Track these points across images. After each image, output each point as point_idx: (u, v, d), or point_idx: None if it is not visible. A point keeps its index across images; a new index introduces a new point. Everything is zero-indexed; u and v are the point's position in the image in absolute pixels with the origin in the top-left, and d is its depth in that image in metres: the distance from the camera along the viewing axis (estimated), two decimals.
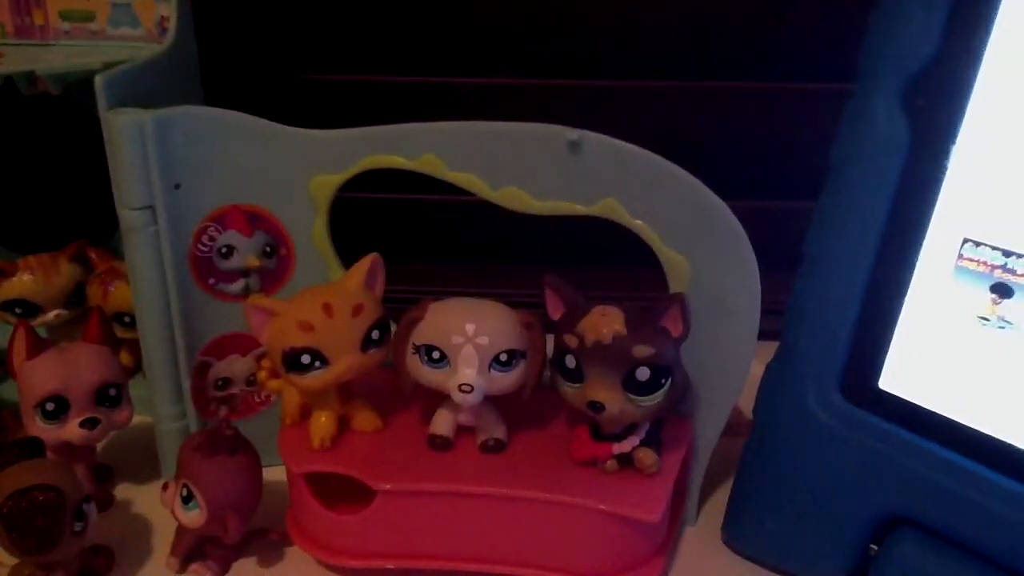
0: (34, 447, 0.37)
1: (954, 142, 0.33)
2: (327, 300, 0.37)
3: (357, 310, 0.37)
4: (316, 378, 0.37)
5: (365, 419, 0.41)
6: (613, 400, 0.36)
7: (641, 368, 0.36)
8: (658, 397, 0.36)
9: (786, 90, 0.56)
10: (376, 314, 0.38)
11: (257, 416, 0.46)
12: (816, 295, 0.37)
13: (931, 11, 0.32)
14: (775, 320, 0.39)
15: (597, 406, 0.36)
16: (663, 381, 0.36)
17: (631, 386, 0.36)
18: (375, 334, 0.38)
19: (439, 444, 0.40)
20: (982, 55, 0.32)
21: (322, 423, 0.39)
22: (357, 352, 0.37)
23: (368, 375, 0.39)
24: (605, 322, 0.36)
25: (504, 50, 0.58)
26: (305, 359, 0.37)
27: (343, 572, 0.40)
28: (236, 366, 0.45)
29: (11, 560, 0.37)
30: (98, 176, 0.41)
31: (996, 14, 0.32)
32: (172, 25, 0.46)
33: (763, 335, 0.39)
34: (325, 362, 0.37)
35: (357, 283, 0.38)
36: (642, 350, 0.35)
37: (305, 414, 0.41)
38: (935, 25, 0.33)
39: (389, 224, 0.59)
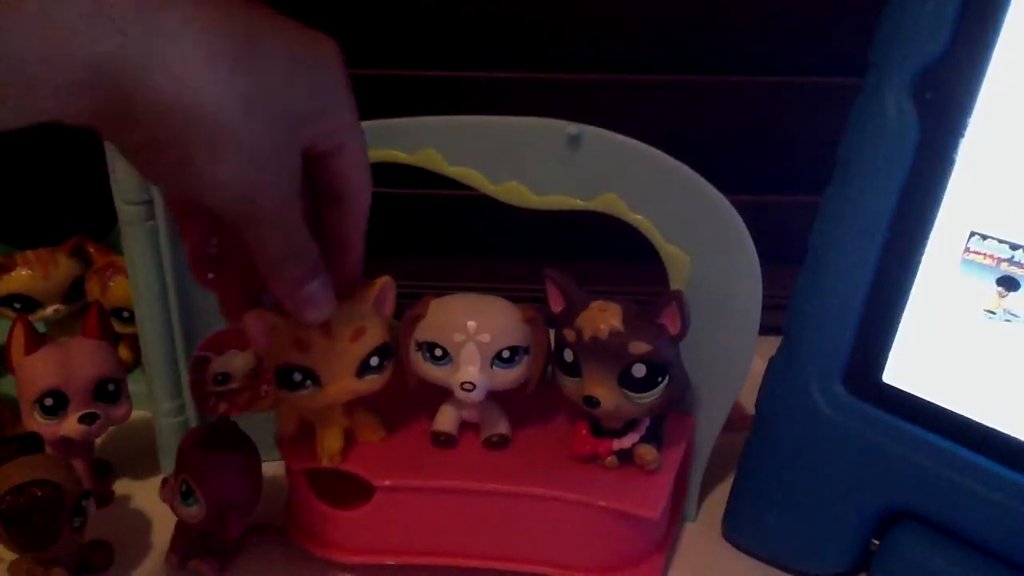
0: (32, 443, 0.37)
1: (963, 136, 0.34)
2: (328, 320, 0.35)
3: (357, 334, 0.36)
4: (305, 397, 0.36)
5: (369, 430, 0.40)
6: (609, 396, 0.36)
7: (637, 365, 0.35)
8: (655, 395, 0.36)
9: (787, 84, 0.55)
10: (378, 340, 0.36)
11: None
12: (821, 288, 0.37)
13: (942, 5, 0.33)
14: (776, 315, 0.39)
15: (593, 401, 0.36)
16: (659, 379, 0.36)
17: (627, 383, 0.36)
18: (374, 360, 0.36)
19: (443, 441, 0.40)
20: (992, 49, 0.33)
21: (328, 439, 0.38)
22: (351, 377, 0.36)
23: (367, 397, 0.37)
24: (603, 317, 0.35)
25: (504, 45, 0.57)
26: (297, 377, 0.36)
27: (343, 568, 0.40)
28: (235, 361, 0.44)
29: (10, 556, 0.37)
30: (96, 170, 0.41)
31: (1007, 9, 0.32)
32: None
33: (764, 330, 0.39)
34: (317, 382, 0.36)
35: (363, 306, 0.36)
36: (638, 347, 0.35)
37: (303, 432, 0.39)
38: (946, 19, 0.33)
39: (389, 219, 0.59)
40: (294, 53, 0.28)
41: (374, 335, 0.36)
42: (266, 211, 0.28)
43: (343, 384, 0.36)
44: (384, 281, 0.37)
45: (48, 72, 0.23)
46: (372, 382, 0.37)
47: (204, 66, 0.24)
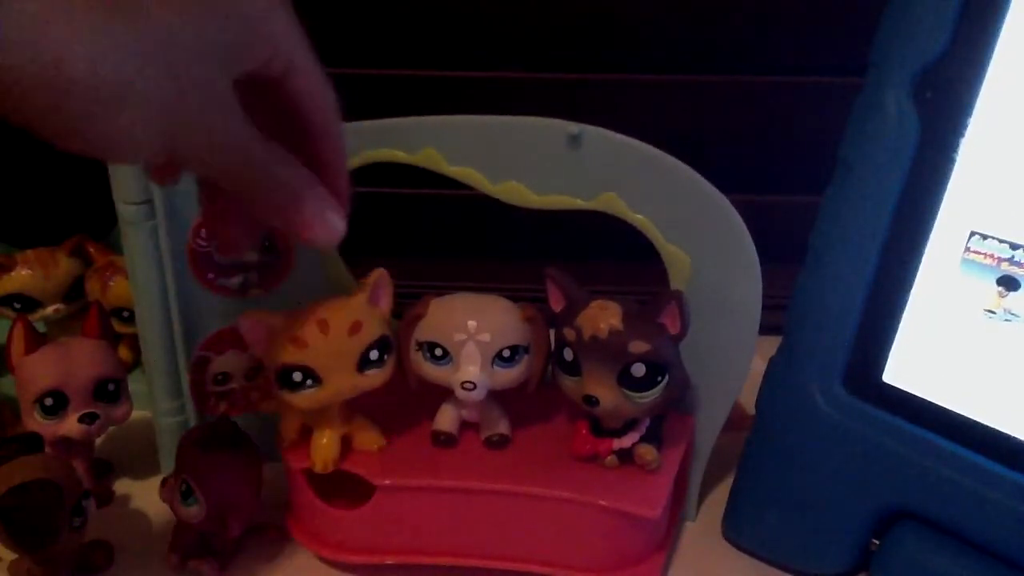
0: (32, 442, 0.37)
1: (963, 135, 0.34)
2: (323, 316, 0.35)
3: (354, 328, 0.35)
4: (308, 397, 0.36)
5: (367, 438, 0.39)
6: (608, 395, 0.36)
7: (636, 364, 0.35)
8: (654, 394, 0.36)
9: (787, 84, 0.55)
10: (377, 333, 0.36)
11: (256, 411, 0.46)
12: (821, 288, 0.37)
13: (942, 5, 0.33)
14: (776, 315, 0.39)
15: (592, 400, 0.36)
16: (659, 379, 0.36)
17: (626, 382, 0.36)
18: (373, 354, 0.36)
19: (443, 440, 0.40)
20: (993, 49, 0.33)
21: (323, 444, 0.38)
22: (352, 372, 0.36)
23: (368, 395, 0.37)
24: (602, 316, 0.35)
25: (504, 44, 0.57)
26: (297, 376, 0.35)
27: (343, 568, 0.40)
28: (235, 361, 0.44)
29: (10, 555, 0.37)
30: (96, 170, 0.41)
31: (1007, 9, 0.32)
32: None
33: (764, 330, 0.39)
34: (317, 380, 0.35)
35: (359, 300, 0.36)
36: (638, 346, 0.35)
37: (305, 435, 0.39)
38: (947, 19, 0.33)
39: (389, 219, 0.59)
40: None
41: (372, 328, 0.36)
42: (208, 154, 0.26)
43: (344, 380, 0.36)
44: (378, 274, 0.36)
45: None
46: (373, 377, 0.36)
47: (81, 31, 0.22)
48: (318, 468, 0.38)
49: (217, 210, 0.33)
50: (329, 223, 0.30)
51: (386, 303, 0.37)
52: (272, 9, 0.27)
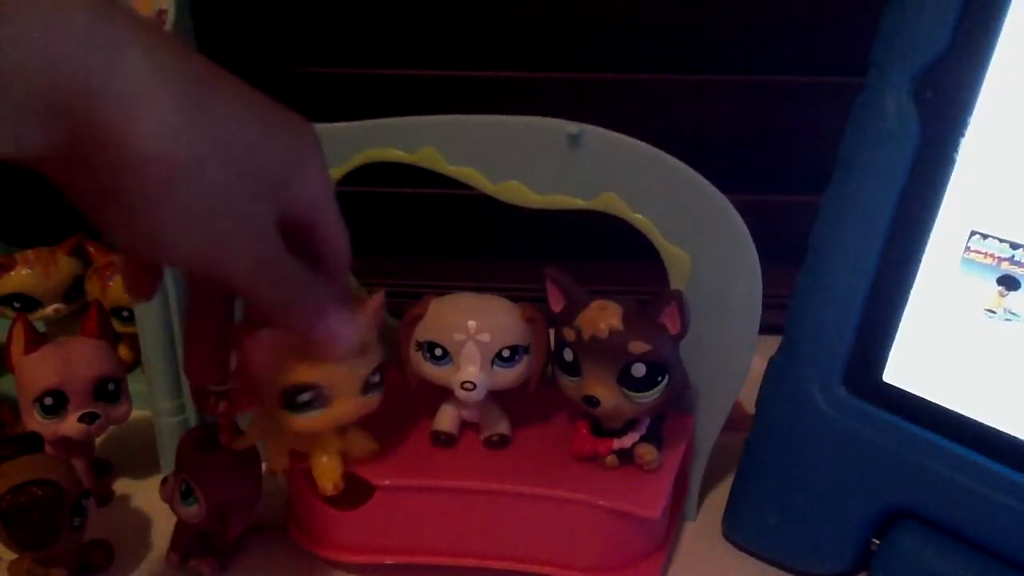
0: (32, 442, 0.37)
1: (963, 135, 0.34)
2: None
3: (363, 349, 0.34)
4: (313, 419, 0.34)
5: (360, 446, 0.38)
6: (608, 395, 0.36)
7: (637, 364, 0.35)
8: (655, 394, 0.36)
9: (788, 84, 0.55)
10: (378, 356, 0.35)
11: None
12: (821, 288, 0.37)
13: (942, 5, 0.33)
14: (776, 315, 0.39)
15: (592, 401, 0.36)
16: (659, 379, 0.36)
17: (626, 382, 0.36)
18: (375, 377, 0.35)
19: (443, 440, 0.40)
20: (993, 49, 0.33)
21: (325, 464, 0.37)
22: (357, 395, 0.35)
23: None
24: (603, 317, 0.35)
25: (504, 43, 0.57)
26: (304, 397, 0.33)
27: (343, 568, 0.40)
28: (235, 361, 0.44)
29: (10, 555, 0.37)
30: None
31: (1007, 9, 0.32)
32: (170, 18, 0.46)
33: (764, 329, 0.39)
34: (326, 401, 0.34)
35: (365, 322, 0.35)
36: (638, 346, 0.35)
37: (296, 458, 0.38)
38: (946, 19, 0.33)
39: (388, 219, 0.59)
40: (263, 111, 0.26)
41: (374, 351, 0.35)
42: (239, 271, 0.26)
43: (350, 403, 0.35)
44: (379, 297, 0.35)
45: (11, 96, 0.21)
46: (374, 399, 0.35)
47: (160, 102, 0.23)
48: (328, 491, 0.36)
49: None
50: (348, 333, 0.31)
51: (376, 326, 0.36)
52: (315, 159, 0.28)
